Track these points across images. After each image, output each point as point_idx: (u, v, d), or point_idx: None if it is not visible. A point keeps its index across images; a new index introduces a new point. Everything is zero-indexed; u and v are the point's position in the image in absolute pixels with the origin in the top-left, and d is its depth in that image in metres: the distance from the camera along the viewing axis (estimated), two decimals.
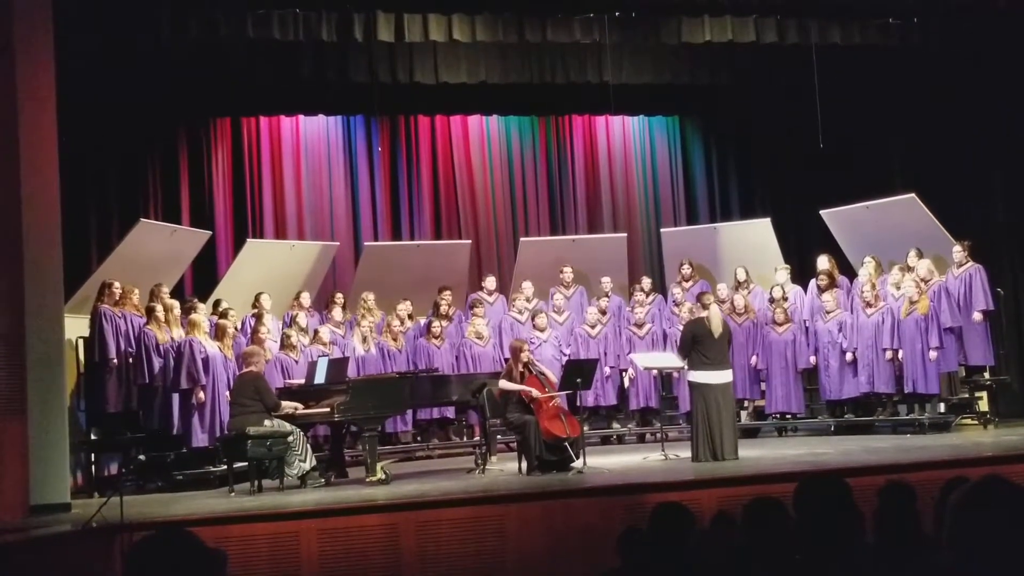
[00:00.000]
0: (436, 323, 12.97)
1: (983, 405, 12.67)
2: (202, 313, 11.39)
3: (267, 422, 9.83)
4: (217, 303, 12.17)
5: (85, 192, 12.65)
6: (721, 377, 10.29)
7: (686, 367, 10.62)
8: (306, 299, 12.85)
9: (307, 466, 10.03)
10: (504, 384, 10.32)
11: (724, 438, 10.12)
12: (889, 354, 12.05)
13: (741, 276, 13.53)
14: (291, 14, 12.21)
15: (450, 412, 12.76)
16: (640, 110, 15.86)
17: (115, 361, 10.94)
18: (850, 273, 13.38)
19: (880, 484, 4.45)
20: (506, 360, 11.52)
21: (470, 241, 14.73)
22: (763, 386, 13.07)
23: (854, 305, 12.60)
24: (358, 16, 12.41)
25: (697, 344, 10.32)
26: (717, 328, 10.34)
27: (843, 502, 3.66)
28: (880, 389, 12.20)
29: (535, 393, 10.21)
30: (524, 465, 10.15)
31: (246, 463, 9.89)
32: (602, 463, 10.36)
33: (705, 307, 10.76)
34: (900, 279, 12.36)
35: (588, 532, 7.90)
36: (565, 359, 12.40)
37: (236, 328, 11.74)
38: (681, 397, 12.72)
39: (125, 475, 10.75)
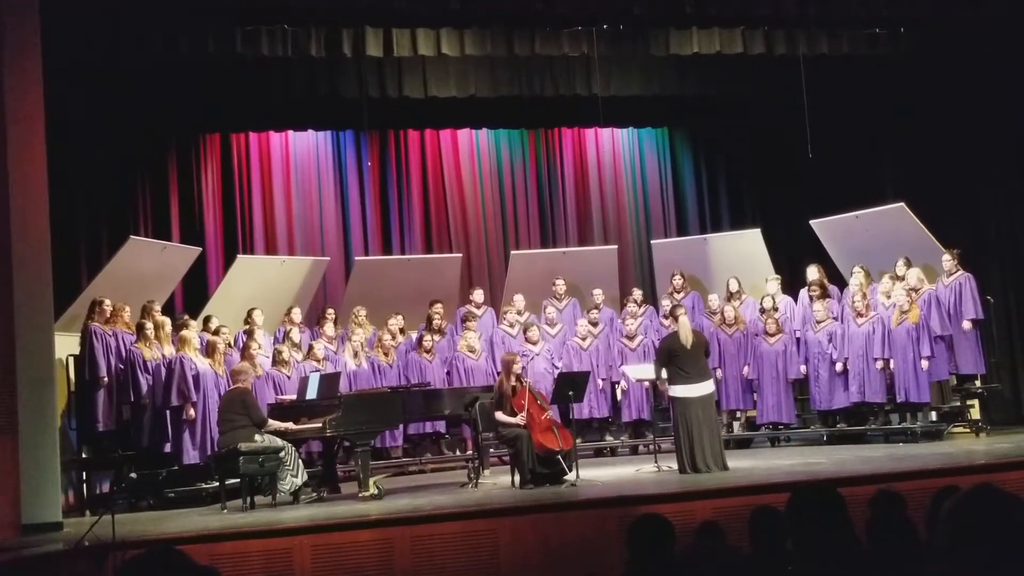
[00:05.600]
0: (428, 337, 12.96)
1: (975, 413, 12.69)
2: (193, 330, 11.37)
3: (258, 438, 9.81)
4: (207, 319, 12.14)
5: (75, 209, 12.64)
6: (700, 390, 10.25)
7: (665, 380, 10.57)
8: (297, 315, 12.82)
9: (299, 482, 10.00)
10: (500, 417, 10.30)
11: (706, 451, 10.10)
12: (880, 363, 12.07)
13: (733, 287, 13.55)
14: (280, 30, 12.23)
15: (443, 426, 12.74)
16: (629, 122, 15.89)
17: (105, 379, 10.90)
18: (840, 283, 13.40)
19: (872, 493, 4.46)
20: (498, 374, 11.51)
21: (461, 255, 14.73)
22: (755, 396, 13.08)
23: (845, 315, 12.62)
24: (347, 32, 12.44)
25: (674, 358, 10.33)
26: (687, 339, 10.30)
27: (836, 512, 3.66)
28: (871, 398, 12.20)
29: (520, 419, 10.18)
30: (517, 478, 10.12)
31: (238, 480, 9.86)
32: (595, 475, 10.34)
33: (675, 320, 10.75)
34: (890, 288, 12.38)
35: (582, 545, 7.89)
36: (557, 372, 12.39)
37: (228, 344, 11.72)
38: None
39: (117, 493, 10.72)
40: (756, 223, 14.99)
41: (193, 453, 10.81)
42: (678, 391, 10.32)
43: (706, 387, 10.33)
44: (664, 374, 10.45)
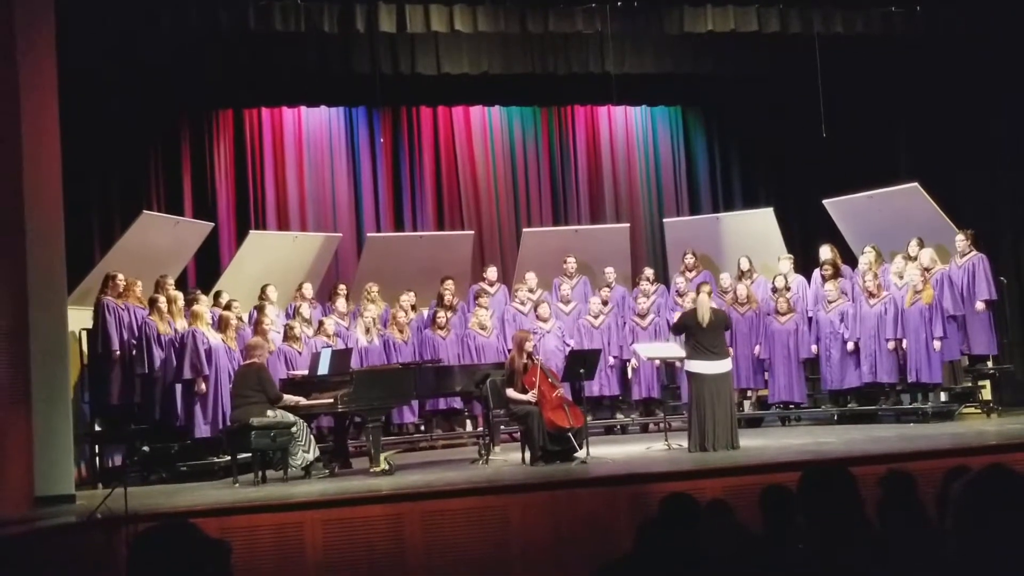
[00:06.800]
0: (441, 314, 12.98)
1: (986, 394, 12.68)
2: (204, 304, 11.40)
3: (270, 412, 9.84)
4: (218, 294, 12.17)
5: (88, 184, 12.65)
6: (715, 367, 10.26)
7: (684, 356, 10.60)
8: (308, 290, 12.84)
9: (311, 457, 10.05)
10: (511, 394, 10.32)
11: (717, 429, 10.12)
12: (892, 344, 12.06)
13: (744, 266, 13.52)
14: (293, 5, 12.23)
15: (457, 403, 12.76)
16: (642, 100, 15.83)
17: (118, 353, 10.95)
18: (853, 263, 13.36)
19: (882, 473, 4.46)
20: (509, 351, 11.53)
21: (473, 232, 14.72)
22: (767, 376, 13.07)
23: (856, 294, 12.60)
24: (360, 7, 12.44)
25: (691, 335, 10.34)
26: (704, 317, 10.31)
27: (846, 491, 3.66)
28: (882, 379, 12.20)
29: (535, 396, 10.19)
30: (528, 455, 10.16)
31: (250, 454, 9.91)
32: (605, 453, 10.37)
33: (697, 295, 10.77)
34: (903, 268, 12.35)
35: (592, 522, 7.91)
36: (568, 350, 12.41)
37: (240, 319, 11.76)
38: (683, 387, 12.71)
39: (129, 466, 10.77)
40: (769, 202, 14.93)
41: (205, 427, 10.86)
42: (693, 366, 10.35)
43: (722, 365, 10.34)
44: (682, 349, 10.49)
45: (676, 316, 11.36)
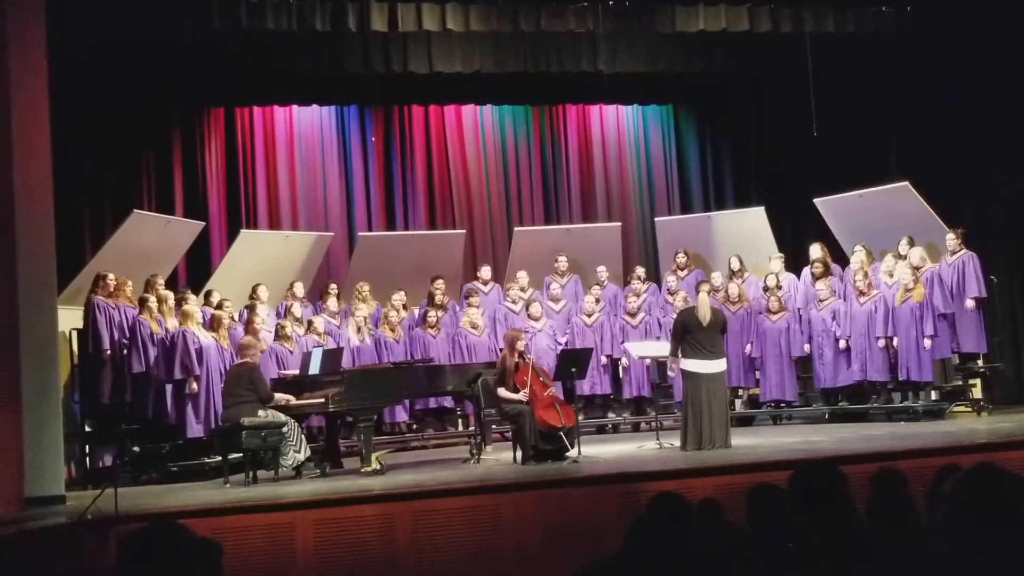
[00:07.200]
0: (432, 313, 12.97)
1: (977, 392, 12.70)
2: (194, 304, 11.37)
3: (261, 412, 9.82)
4: (208, 294, 12.16)
5: (78, 183, 12.61)
6: (713, 367, 10.26)
7: (679, 356, 10.55)
8: (299, 289, 12.82)
9: (302, 457, 10.03)
10: (503, 393, 10.31)
11: (714, 427, 10.11)
12: (882, 342, 12.06)
13: (735, 265, 13.54)
14: (285, 4, 12.22)
15: (448, 402, 12.75)
16: (634, 99, 15.83)
17: (109, 352, 10.92)
18: (843, 261, 13.38)
19: (873, 471, 4.46)
20: (500, 350, 11.52)
21: (464, 231, 14.72)
22: (758, 375, 13.08)
23: (847, 293, 12.62)
24: (352, 6, 12.43)
25: (689, 333, 10.33)
26: (705, 316, 10.30)
27: (837, 489, 3.66)
28: (873, 377, 12.21)
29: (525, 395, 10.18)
30: (519, 454, 10.14)
31: (241, 454, 9.88)
32: (597, 452, 10.36)
33: (697, 294, 10.77)
34: (893, 267, 12.37)
35: (584, 521, 7.90)
36: (560, 348, 12.40)
37: (232, 318, 11.74)
38: (675, 386, 12.70)
39: (119, 467, 10.74)
40: (760, 201, 14.95)
41: (197, 427, 10.83)
42: (690, 365, 10.31)
43: (718, 364, 10.32)
44: (678, 351, 10.47)
45: (673, 318, 11.28)
